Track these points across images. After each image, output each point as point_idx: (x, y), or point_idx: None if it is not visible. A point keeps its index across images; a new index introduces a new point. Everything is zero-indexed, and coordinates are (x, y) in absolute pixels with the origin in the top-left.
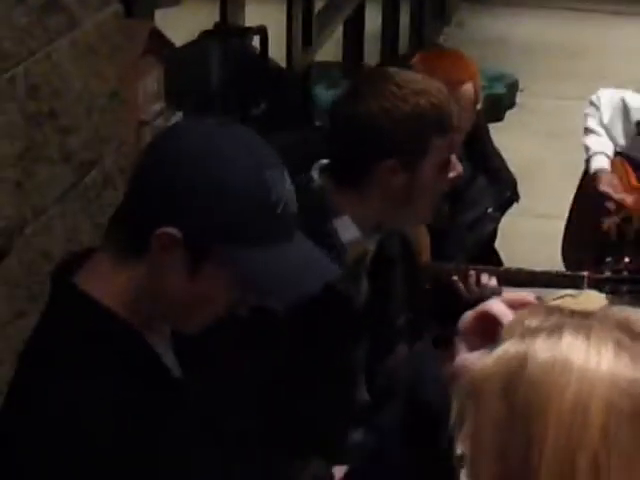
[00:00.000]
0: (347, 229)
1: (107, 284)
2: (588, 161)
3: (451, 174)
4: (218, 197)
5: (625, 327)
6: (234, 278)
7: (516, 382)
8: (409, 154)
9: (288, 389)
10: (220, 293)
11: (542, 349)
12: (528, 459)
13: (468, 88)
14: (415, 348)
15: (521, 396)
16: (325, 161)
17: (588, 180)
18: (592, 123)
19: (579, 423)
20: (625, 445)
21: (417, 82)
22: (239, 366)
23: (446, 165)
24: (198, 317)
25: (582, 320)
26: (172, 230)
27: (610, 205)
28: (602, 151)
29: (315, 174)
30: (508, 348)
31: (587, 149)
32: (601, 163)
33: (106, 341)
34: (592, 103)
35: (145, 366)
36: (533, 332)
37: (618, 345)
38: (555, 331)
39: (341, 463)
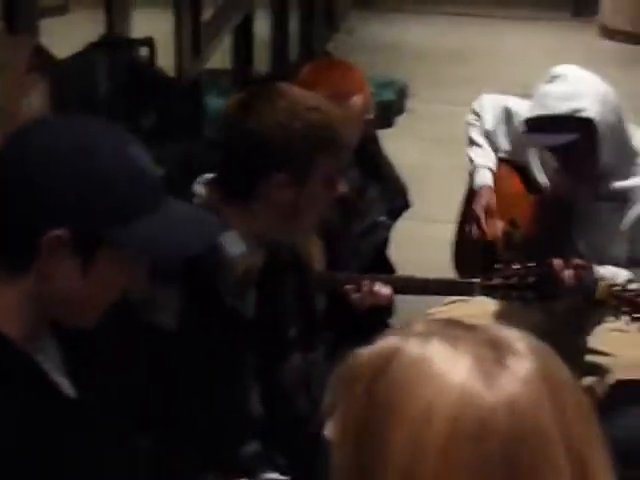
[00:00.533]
0: (233, 243)
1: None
2: (472, 174)
3: (335, 190)
4: (92, 185)
5: (494, 346)
6: (126, 258)
7: (379, 377)
8: (299, 169)
9: (178, 402)
10: (115, 278)
11: (410, 349)
12: (379, 459)
13: (357, 100)
14: (308, 358)
15: (381, 392)
16: (210, 175)
17: (473, 192)
18: (474, 134)
19: (421, 437)
20: (464, 467)
21: (309, 99)
22: (131, 377)
23: (333, 182)
24: (96, 309)
25: (455, 330)
26: (59, 231)
27: (474, 230)
28: (485, 165)
29: (199, 188)
30: (383, 343)
31: (471, 161)
32: (484, 179)
33: None
34: (474, 111)
35: (33, 386)
36: (410, 333)
37: (478, 361)
38: (428, 335)
39: (237, 475)
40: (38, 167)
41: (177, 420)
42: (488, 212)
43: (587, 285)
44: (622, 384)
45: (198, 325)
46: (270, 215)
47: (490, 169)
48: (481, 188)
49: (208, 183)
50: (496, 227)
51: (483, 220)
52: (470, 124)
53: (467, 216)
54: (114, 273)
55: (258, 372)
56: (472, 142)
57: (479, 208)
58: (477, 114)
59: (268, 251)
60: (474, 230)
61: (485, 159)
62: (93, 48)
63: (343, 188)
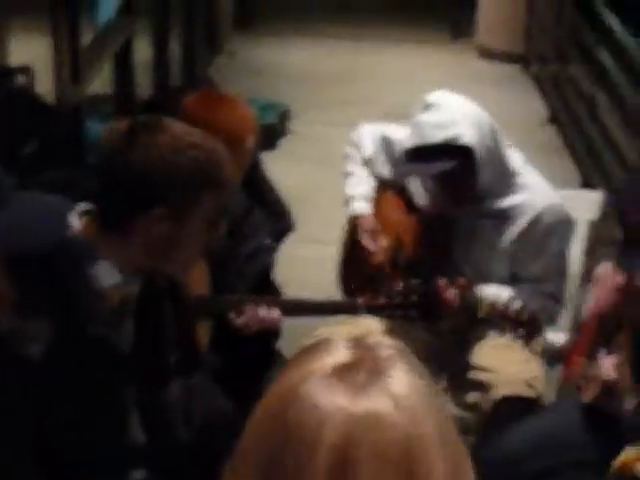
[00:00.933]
0: (108, 274)
1: None
2: (349, 205)
3: (217, 229)
4: None
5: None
6: None
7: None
8: (178, 205)
9: (57, 436)
10: None
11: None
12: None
13: (250, 141)
14: (187, 385)
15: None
16: (84, 205)
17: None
18: (350, 165)
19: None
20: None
21: (192, 135)
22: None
23: (216, 220)
24: None
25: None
26: None
27: (373, 257)
28: (359, 194)
29: (74, 220)
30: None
31: (347, 194)
32: (360, 209)
33: None
34: (351, 142)
35: None
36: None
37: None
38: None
39: None
40: None
41: (56, 455)
42: (372, 234)
43: (470, 304)
44: (506, 400)
45: (68, 356)
46: (148, 248)
47: (365, 198)
48: (359, 218)
49: (85, 213)
50: (380, 250)
51: (369, 243)
52: (347, 156)
53: (350, 244)
54: None
55: (139, 401)
56: (347, 174)
57: (362, 235)
58: (355, 145)
59: (144, 280)
60: (365, 257)
61: (360, 188)
62: None
63: (223, 229)
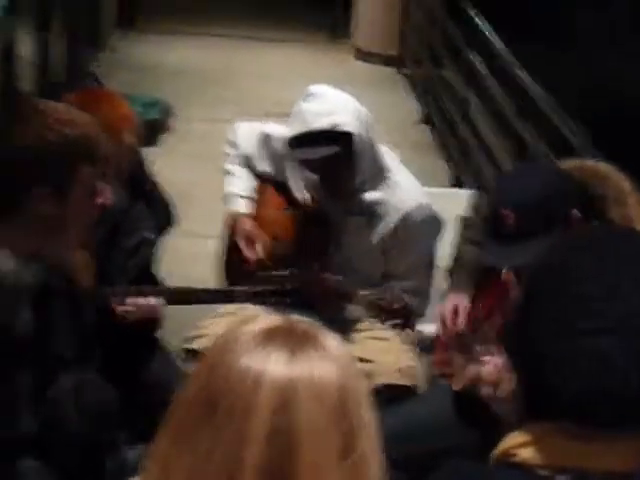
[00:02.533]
0: (2, 261)
1: None
2: (226, 203)
3: (99, 200)
4: None
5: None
6: None
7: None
8: (58, 182)
9: None
10: None
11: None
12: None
13: (129, 137)
14: (84, 380)
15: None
16: None
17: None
18: (228, 164)
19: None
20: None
21: (64, 112)
22: None
23: (95, 192)
24: None
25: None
26: None
27: (249, 257)
28: (237, 193)
29: None
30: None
31: (226, 192)
32: (237, 207)
33: None
34: (229, 141)
35: None
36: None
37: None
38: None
39: None
40: None
41: None
42: (247, 239)
43: (344, 293)
44: (385, 388)
45: None
46: (37, 230)
47: (243, 196)
48: (236, 217)
49: None
50: (257, 250)
51: (245, 248)
52: (225, 154)
53: (230, 238)
54: None
55: (32, 391)
56: (226, 172)
57: (239, 238)
58: (232, 143)
59: (39, 271)
60: (247, 257)
61: (238, 187)
62: None
63: (109, 199)
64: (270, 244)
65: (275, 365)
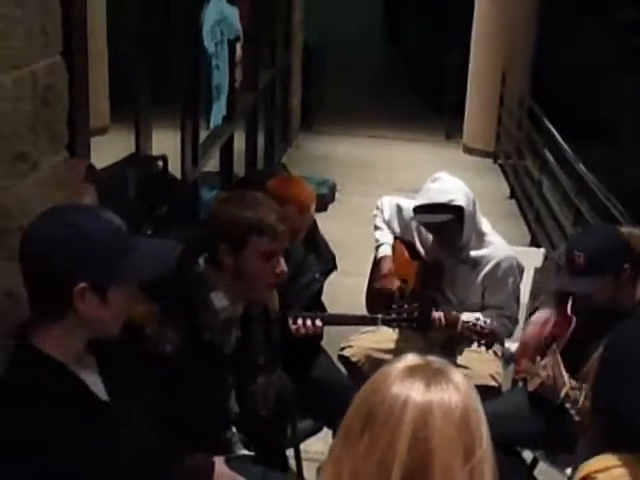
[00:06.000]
0: (219, 300)
1: (51, 340)
2: (377, 248)
3: (277, 269)
4: (88, 248)
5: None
6: (128, 286)
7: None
8: (234, 242)
9: (179, 405)
10: (124, 301)
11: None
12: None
13: (312, 208)
14: (271, 379)
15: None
16: (206, 254)
17: (378, 260)
18: (378, 222)
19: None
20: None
21: (254, 200)
22: (150, 392)
23: (268, 258)
24: (117, 323)
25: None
26: (82, 284)
27: (379, 283)
28: (385, 241)
29: (201, 261)
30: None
31: (376, 240)
32: (385, 251)
33: (50, 380)
34: (377, 207)
35: (77, 395)
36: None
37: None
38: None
39: (221, 452)
40: (49, 247)
41: (179, 418)
42: (389, 273)
43: (451, 322)
44: (478, 388)
45: (190, 354)
46: (228, 277)
47: (389, 244)
48: (383, 258)
49: (206, 259)
50: (394, 282)
51: (385, 278)
52: (375, 216)
53: (375, 275)
54: (122, 298)
55: (237, 386)
56: (376, 227)
57: (384, 270)
58: (379, 209)
59: (245, 305)
60: (380, 284)
61: (385, 238)
62: (127, 162)
63: (283, 267)
64: (400, 284)
65: (417, 392)
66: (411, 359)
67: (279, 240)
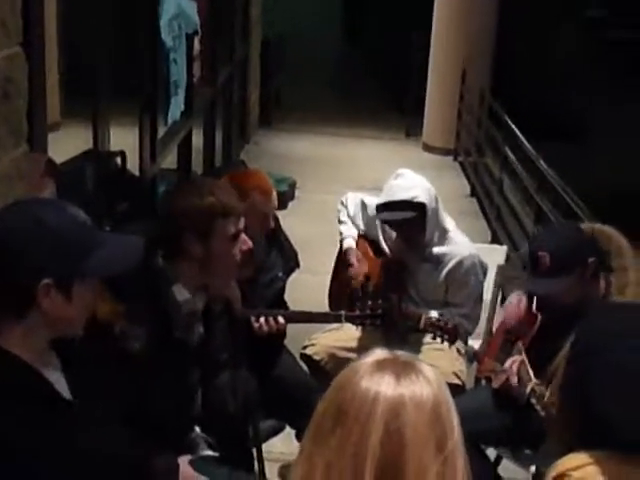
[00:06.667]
0: (180, 293)
1: (15, 338)
2: (341, 242)
3: (243, 247)
4: (52, 243)
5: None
6: (92, 283)
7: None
8: (200, 230)
9: (146, 403)
10: (88, 301)
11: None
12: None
13: (274, 195)
14: (235, 374)
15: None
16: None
17: (342, 254)
18: (342, 216)
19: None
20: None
21: (211, 186)
22: (113, 390)
23: (234, 238)
24: (81, 320)
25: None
26: (46, 280)
27: (352, 270)
28: (350, 235)
29: (160, 258)
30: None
31: (340, 233)
32: (349, 243)
33: (14, 379)
34: (342, 203)
35: (41, 394)
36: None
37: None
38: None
39: (185, 452)
40: (14, 243)
41: (145, 417)
42: (358, 260)
43: (414, 317)
44: None
45: (157, 350)
46: (194, 266)
47: (353, 237)
48: (349, 249)
49: (161, 253)
50: (364, 267)
51: (355, 264)
52: (339, 211)
53: (340, 269)
54: (87, 295)
55: (201, 382)
56: (340, 221)
57: (351, 258)
58: (344, 204)
59: (207, 298)
60: (350, 271)
61: (349, 232)
62: (84, 157)
63: (248, 243)
64: (362, 282)
65: (387, 386)
66: (379, 353)
67: (241, 218)
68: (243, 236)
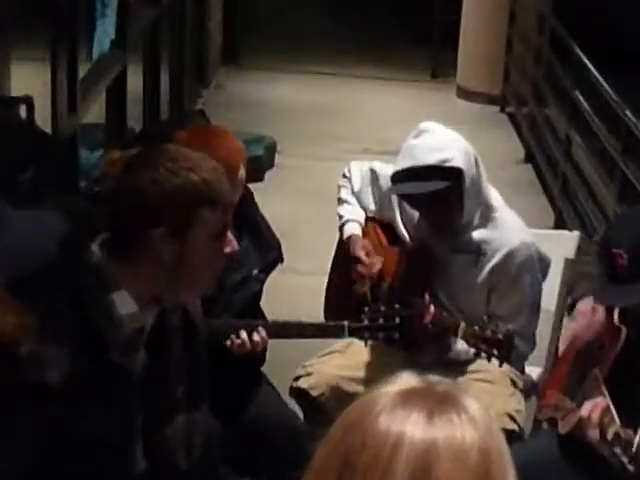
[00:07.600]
0: (124, 303)
1: None
2: (342, 228)
3: (227, 249)
4: None
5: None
6: None
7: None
8: (177, 223)
9: (66, 455)
10: None
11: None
12: None
13: (241, 172)
14: (192, 418)
15: None
16: (104, 235)
17: (343, 245)
18: (344, 194)
19: None
20: None
21: (190, 158)
22: (26, 437)
23: (219, 236)
24: None
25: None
26: None
27: (361, 268)
28: (353, 219)
29: (95, 248)
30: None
31: (340, 217)
32: (352, 229)
33: None
34: (344, 175)
35: None
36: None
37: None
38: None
39: None
40: None
41: (68, 475)
42: (367, 252)
43: (449, 328)
44: None
45: (85, 381)
46: (155, 272)
47: (359, 222)
48: (351, 239)
49: (103, 243)
50: (377, 263)
51: (364, 258)
52: (340, 186)
53: (337, 266)
54: None
55: (144, 429)
56: (342, 200)
57: (357, 250)
58: (347, 177)
59: (159, 312)
60: (357, 269)
61: (353, 215)
62: None
63: (234, 245)
64: (373, 282)
65: (414, 427)
66: (406, 380)
67: (230, 210)
68: (229, 235)
